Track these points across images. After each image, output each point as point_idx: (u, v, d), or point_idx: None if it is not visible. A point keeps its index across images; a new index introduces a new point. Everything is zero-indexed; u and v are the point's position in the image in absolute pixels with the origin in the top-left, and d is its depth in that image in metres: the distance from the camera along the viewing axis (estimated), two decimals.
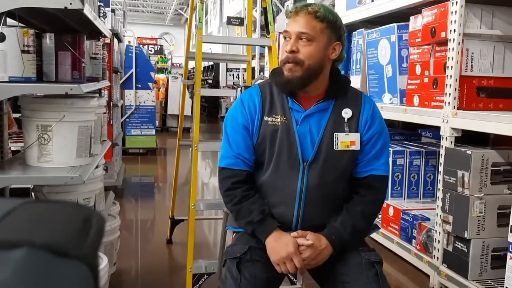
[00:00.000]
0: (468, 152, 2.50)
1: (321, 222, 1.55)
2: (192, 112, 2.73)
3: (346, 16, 3.86)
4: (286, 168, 1.54)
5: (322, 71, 1.53)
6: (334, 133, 1.53)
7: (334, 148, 1.52)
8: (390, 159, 3.23)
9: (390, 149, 1.55)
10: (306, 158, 1.53)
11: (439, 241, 2.74)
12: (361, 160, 1.57)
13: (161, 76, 10.23)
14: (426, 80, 2.95)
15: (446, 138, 2.68)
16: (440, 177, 2.71)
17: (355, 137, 1.54)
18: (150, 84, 7.09)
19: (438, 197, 2.75)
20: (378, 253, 1.57)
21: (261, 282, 1.50)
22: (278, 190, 1.55)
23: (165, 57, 12.94)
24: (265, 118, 1.56)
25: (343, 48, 1.56)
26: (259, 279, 1.49)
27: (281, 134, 1.53)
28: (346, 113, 1.55)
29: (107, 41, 4.25)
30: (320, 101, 1.55)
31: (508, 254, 2.18)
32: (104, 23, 3.23)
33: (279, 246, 1.47)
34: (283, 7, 7.13)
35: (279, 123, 1.54)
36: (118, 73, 5.96)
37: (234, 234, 1.72)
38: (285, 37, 1.53)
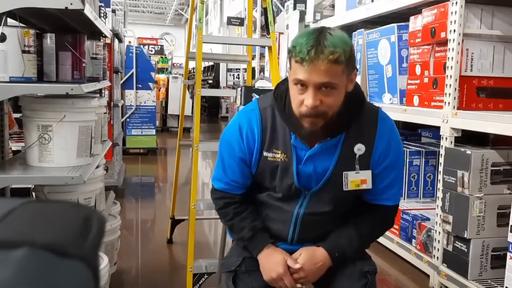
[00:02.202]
0: (468, 152, 2.50)
1: (319, 239, 1.48)
2: (192, 112, 2.74)
3: (346, 16, 3.86)
4: (286, 197, 1.45)
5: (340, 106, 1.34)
6: (344, 173, 1.37)
7: (344, 189, 1.38)
8: None
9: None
10: (308, 190, 1.43)
11: (439, 241, 2.74)
12: (371, 190, 1.43)
13: (161, 76, 10.22)
14: (426, 80, 2.95)
15: (446, 138, 2.68)
16: (440, 177, 2.72)
17: (367, 175, 1.39)
18: (150, 84, 7.09)
19: (438, 197, 2.75)
20: (372, 261, 1.54)
21: None
22: (276, 209, 1.48)
23: (165, 57, 12.93)
24: (265, 153, 1.42)
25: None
26: None
27: (280, 171, 1.41)
28: (359, 149, 1.37)
29: (108, 41, 4.25)
30: (328, 138, 1.36)
31: (508, 254, 2.18)
32: (105, 23, 3.23)
33: (270, 265, 1.43)
34: (283, 7, 7.13)
35: (279, 159, 1.40)
36: (119, 73, 5.97)
37: (232, 242, 1.71)
38: (297, 84, 1.28)
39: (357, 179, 1.39)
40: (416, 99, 3.04)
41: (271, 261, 1.43)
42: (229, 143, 1.47)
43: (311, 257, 1.42)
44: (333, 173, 1.38)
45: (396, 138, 1.45)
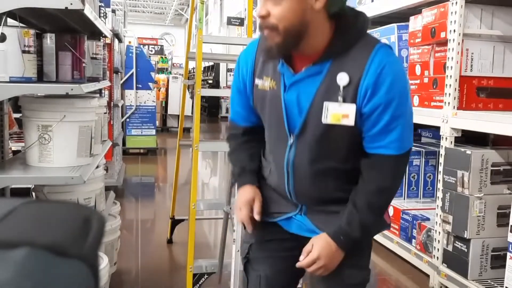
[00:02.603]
0: (468, 152, 2.50)
1: (318, 196, 1.39)
2: (192, 112, 2.74)
3: None
4: (276, 138, 1.39)
5: (308, 27, 1.23)
6: (324, 103, 1.26)
7: (322, 121, 1.26)
8: None
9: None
10: (293, 131, 1.33)
11: (439, 241, 2.74)
12: (365, 135, 1.30)
13: (161, 76, 10.23)
14: (426, 80, 2.95)
15: (446, 138, 2.68)
16: (440, 177, 2.72)
17: (349, 109, 1.25)
18: (150, 84, 7.09)
19: (438, 197, 2.75)
20: (365, 272, 1.43)
21: (272, 278, 1.48)
22: (273, 159, 1.43)
23: (165, 57, 12.94)
24: (256, 80, 1.38)
25: None
26: (266, 277, 1.48)
27: (269, 101, 1.35)
28: (341, 79, 1.25)
29: (108, 41, 4.25)
30: (312, 63, 1.28)
31: (508, 254, 2.18)
32: (105, 23, 3.23)
33: (239, 200, 1.45)
34: None
35: (268, 88, 1.35)
36: (119, 73, 5.97)
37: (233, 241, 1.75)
38: None
39: (339, 113, 1.27)
40: (416, 99, 3.04)
41: (242, 197, 1.44)
42: (234, 72, 1.49)
43: (324, 244, 1.34)
44: (314, 103, 1.28)
45: (392, 76, 1.25)
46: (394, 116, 1.26)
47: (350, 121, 1.26)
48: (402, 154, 1.31)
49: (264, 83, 1.35)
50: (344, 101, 1.25)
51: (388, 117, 1.26)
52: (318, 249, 1.33)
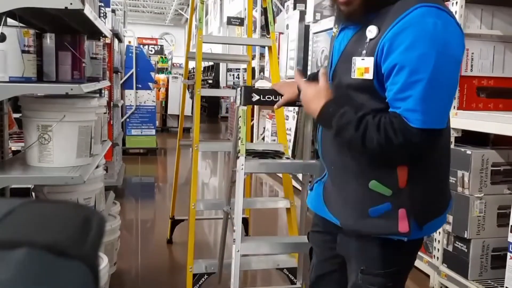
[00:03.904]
0: (468, 152, 2.50)
1: (335, 159, 1.36)
2: (192, 112, 2.74)
3: None
4: None
5: None
6: (353, 58, 1.24)
7: (352, 76, 1.24)
8: None
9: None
10: (329, 80, 1.35)
11: (439, 241, 2.74)
12: (387, 99, 1.23)
13: (161, 76, 10.23)
14: None
15: None
16: None
17: (369, 63, 1.20)
18: (150, 84, 7.09)
19: None
20: (379, 278, 1.36)
21: (317, 267, 1.57)
22: None
23: (165, 57, 12.94)
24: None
25: None
26: (314, 265, 1.58)
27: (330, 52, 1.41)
28: (370, 31, 1.21)
29: (108, 41, 4.25)
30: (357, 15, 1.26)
31: (508, 254, 2.18)
32: (105, 23, 3.23)
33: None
34: (283, 7, 7.13)
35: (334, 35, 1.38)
36: (119, 73, 5.97)
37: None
38: None
39: (362, 67, 1.22)
40: None
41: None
42: None
43: (317, 95, 1.33)
44: (343, 54, 1.29)
45: (420, 36, 1.14)
46: (409, 82, 1.15)
47: (369, 75, 1.21)
48: (418, 128, 1.17)
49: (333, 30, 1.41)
50: (366, 54, 1.21)
51: (403, 78, 1.16)
52: (311, 91, 1.35)
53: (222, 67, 13.12)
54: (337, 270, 1.52)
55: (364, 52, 1.22)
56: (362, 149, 1.26)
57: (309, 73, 2.96)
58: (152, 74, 7.43)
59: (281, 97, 1.78)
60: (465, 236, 2.52)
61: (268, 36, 2.79)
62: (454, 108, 2.67)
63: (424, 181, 1.31)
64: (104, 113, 2.39)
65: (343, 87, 1.29)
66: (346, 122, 1.25)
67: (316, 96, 1.33)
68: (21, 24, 1.91)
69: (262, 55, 7.10)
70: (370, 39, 1.21)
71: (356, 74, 1.23)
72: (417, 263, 2.95)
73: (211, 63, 13.78)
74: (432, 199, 1.35)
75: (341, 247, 1.44)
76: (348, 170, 1.34)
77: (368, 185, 1.29)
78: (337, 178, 1.39)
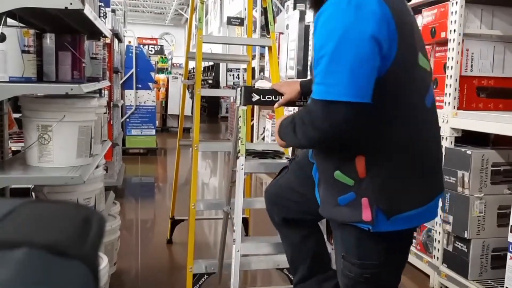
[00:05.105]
0: (468, 152, 2.50)
1: (316, 152, 1.53)
2: (192, 112, 2.74)
3: None
4: None
5: None
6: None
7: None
8: None
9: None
10: None
11: (439, 241, 2.74)
12: None
13: (161, 76, 10.23)
14: None
15: (446, 138, 2.68)
16: None
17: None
18: (150, 84, 7.09)
19: None
20: (356, 267, 1.44)
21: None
22: None
23: (165, 57, 12.94)
24: None
25: None
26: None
27: None
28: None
29: (108, 41, 4.25)
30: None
31: (508, 254, 2.18)
32: (105, 23, 3.23)
33: None
34: (283, 7, 7.13)
35: None
36: (119, 73, 5.97)
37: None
38: None
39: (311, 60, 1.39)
40: None
41: None
42: None
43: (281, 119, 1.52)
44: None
45: (326, 19, 1.26)
46: (317, 58, 1.26)
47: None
48: (320, 100, 1.25)
49: None
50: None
51: (315, 59, 1.27)
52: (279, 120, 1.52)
53: (222, 67, 13.13)
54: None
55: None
56: (309, 144, 1.42)
57: (309, 73, 2.98)
58: (152, 74, 7.43)
59: (281, 97, 1.78)
60: (465, 236, 2.52)
61: (268, 36, 2.79)
62: (454, 108, 2.67)
63: (385, 172, 1.34)
64: (104, 113, 2.39)
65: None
66: (287, 131, 1.41)
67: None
68: (21, 24, 1.91)
69: (262, 55, 7.11)
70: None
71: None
72: (417, 263, 2.96)
73: (211, 63, 13.78)
74: (399, 191, 1.36)
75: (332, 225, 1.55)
76: (322, 162, 1.46)
77: (334, 175, 1.38)
78: (319, 169, 1.50)
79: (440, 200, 2.66)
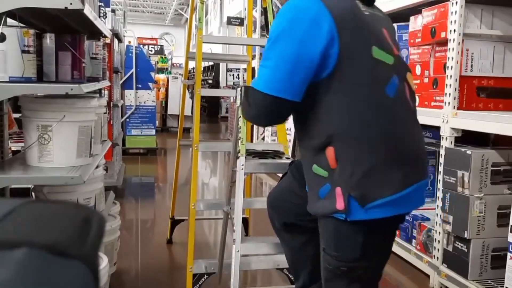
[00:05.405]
0: (468, 152, 2.50)
1: (301, 149, 1.61)
2: (192, 112, 2.74)
3: None
4: None
5: None
6: None
7: None
8: None
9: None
10: None
11: (439, 241, 2.74)
12: None
13: (161, 76, 10.23)
14: (426, 80, 2.95)
15: (446, 138, 2.68)
16: (440, 177, 2.71)
17: None
18: (150, 84, 7.09)
19: (438, 197, 2.75)
20: (334, 259, 1.48)
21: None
22: None
23: (165, 57, 12.94)
24: None
25: None
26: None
27: None
28: None
29: (107, 41, 4.25)
30: None
31: (508, 254, 2.18)
32: (104, 23, 3.23)
33: None
34: None
35: None
36: (118, 73, 5.96)
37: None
38: None
39: None
40: (416, 99, 3.03)
41: None
42: None
43: None
44: None
45: (276, 19, 1.50)
46: (264, 56, 1.47)
47: None
48: (257, 90, 1.44)
49: None
50: None
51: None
52: None
53: (222, 67, 13.13)
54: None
55: None
56: (250, 119, 1.65)
57: None
58: (152, 74, 7.43)
59: None
60: (465, 236, 2.52)
61: (268, 36, 2.79)
62: (454, 108, 2.67)
63: (353, 161, 1.39)
64: (104, 113, 2.39)
65: None
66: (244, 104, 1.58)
67: None
68: (21, 24, 1.91)
69: (262, 55, 7.09)
70: None
71: None
72: (417, 263, 2.96)
73: (211, 63, 13.78)
74: (369, 178, 1.39)
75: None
76: (305, 160, 1.55)
77: (312, 170, 1.46)
78: (304, 167, 1.57)
79: (440, 199, 2.68)
